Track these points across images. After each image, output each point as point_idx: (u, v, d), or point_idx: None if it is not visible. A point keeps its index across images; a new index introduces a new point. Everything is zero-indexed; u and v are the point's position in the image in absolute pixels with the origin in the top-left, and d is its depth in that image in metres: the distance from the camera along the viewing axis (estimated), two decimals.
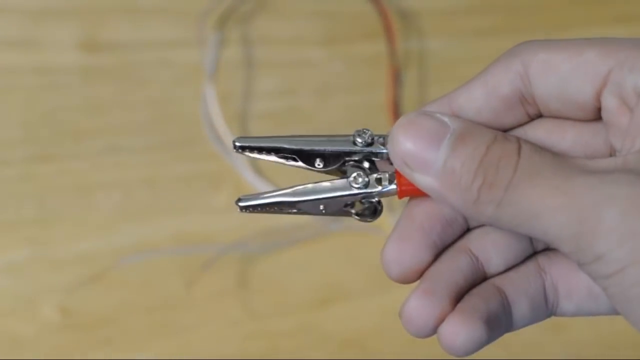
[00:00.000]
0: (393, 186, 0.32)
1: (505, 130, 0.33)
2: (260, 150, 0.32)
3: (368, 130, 0.32)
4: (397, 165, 0.31)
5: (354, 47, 0.68)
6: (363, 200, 0.33)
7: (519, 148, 0.29)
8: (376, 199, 0.32)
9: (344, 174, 0.33)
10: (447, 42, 0.69)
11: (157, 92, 0.65)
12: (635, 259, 0.27)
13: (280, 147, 0.32)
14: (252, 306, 0.62)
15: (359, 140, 0.32)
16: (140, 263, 0.61)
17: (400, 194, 0.32)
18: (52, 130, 0.62)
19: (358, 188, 0.32)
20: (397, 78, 0.66)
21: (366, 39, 0.68)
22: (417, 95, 0.67)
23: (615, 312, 0.30)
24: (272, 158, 0.32)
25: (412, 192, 0.32)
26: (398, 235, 0.32)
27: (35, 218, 0.61)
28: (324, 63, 0.68)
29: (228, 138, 0.64)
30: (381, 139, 0.32)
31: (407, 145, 0.30)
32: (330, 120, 0.66)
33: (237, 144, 0.32)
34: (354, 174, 0.32)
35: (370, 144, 0.32)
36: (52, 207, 0.61)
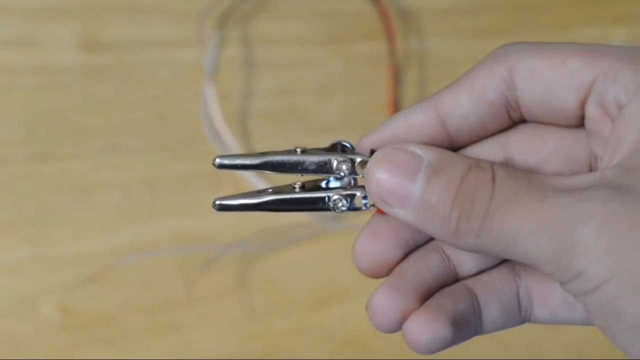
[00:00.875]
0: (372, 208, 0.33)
1: (489, 135, 0.33)
2: (240, 167, 0.33)
3: (345, 155, 0.33)
4: (376, 202, 0.31)
5: (354, 47, 0.68)
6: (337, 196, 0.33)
7: (493, 175, 0.29)
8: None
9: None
10: (447, 42, 0.69)
11: (157, 92, 0.65)
12: (613, 274, 0.27)
13: (257, 166, 0.33)
14: (252, 306, 0.62)
15: (343, 167, 0.33)
16: (140, 263, 0.61)
17: (379, 210, 0.33)
18: (52, 130, 0.62)
19: (341, 208, 0.33)
20: (397, 78, 0.66)
21: (366, 39, 0.68)
22: (417, 95, 0.68)
23: (589, 322, 0.30)
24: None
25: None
26: (370, 230, 0.33)
27: (35, 218, 0.61)
28: (324, 63, 0.68)
29: (228, 138, 0.64)
30: (359, 159, 0.33)
31: (382, 182, 0.30)
32: (330, 120, 0.66)
33: (217, 161, 0.33)
34: (335, 197, 0.33)
35: (351, 172, 0.33)
36: (52, 207, 0.61)
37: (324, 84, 0.67)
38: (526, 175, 0.30)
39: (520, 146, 0.33)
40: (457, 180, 0.29)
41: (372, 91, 0.67)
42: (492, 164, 0.30)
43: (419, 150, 0.31)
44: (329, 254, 0.63)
